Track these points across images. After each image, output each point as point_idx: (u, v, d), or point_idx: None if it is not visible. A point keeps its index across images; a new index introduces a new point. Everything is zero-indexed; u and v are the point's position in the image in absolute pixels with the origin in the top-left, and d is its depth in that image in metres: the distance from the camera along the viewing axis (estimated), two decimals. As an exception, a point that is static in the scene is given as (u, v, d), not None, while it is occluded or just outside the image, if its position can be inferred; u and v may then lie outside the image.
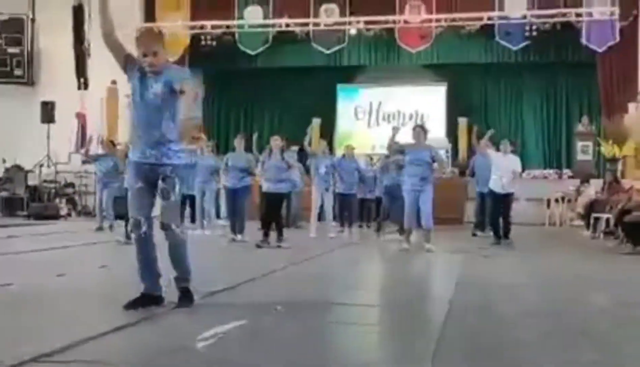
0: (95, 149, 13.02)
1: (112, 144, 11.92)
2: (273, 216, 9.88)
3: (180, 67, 4.86)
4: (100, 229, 11.64)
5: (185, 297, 4.72)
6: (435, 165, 9.57)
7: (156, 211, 4.72)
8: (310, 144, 12.20)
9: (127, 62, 4.64)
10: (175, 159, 4.65)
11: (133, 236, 4.74)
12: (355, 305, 5.34)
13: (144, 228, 4.61)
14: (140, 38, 4.64)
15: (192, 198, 12.37)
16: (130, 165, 4.75)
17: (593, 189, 14.29)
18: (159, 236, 4.71)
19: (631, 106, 15.93)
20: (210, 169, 11.48)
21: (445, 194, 12.48)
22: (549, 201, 15.62)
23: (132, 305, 4.52)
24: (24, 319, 4.39)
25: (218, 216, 12.57)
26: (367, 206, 12.78)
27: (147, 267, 4.67)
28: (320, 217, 12.00)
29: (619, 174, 14.59)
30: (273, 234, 9.79)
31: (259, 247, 9.40)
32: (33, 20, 18.52)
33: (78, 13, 17.05)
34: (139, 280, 4.68)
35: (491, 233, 11.13)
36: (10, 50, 18.42)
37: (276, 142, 9.99)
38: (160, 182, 4.60)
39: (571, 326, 4.52)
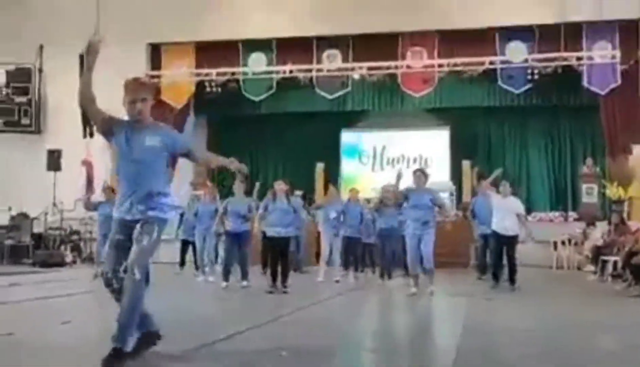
0: (99, 196, 13.06)
1: (112, 190, 11.92)
2: (279, 260, 9.81)
3: (172, 128, 4.82)
4: (97, 276, 11.54)
5: (112, 356, 4.25)
6: (437, 208, 9.59)
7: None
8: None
9: (108, 125, 4.56)
10: (161, 212, 4.52)
11: (108, 291, 4.46)
12: (361, 350, 5.30)
13: (116, 285, 4.40)
14: (128, 86, 4.56)
15: (194, 244, 12.39)
16: (114, 222, 4.56)
17: (599, 231, 14.21)
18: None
19: (635, 147, 15.96)
20: (212, 215, 11.48)
21: (450, 238, 12.42)
22: (555, 244, 15.54)
23: (136, 351, 4.41)
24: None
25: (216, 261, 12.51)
26: (368, 250, 12.75)
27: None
28: (329, 262, 11.95)
29: (625, 216, 14.53)
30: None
31: (270, 293, 9.36)
32: (40, 70, 18.81)
33: (85, 61, 17.29)
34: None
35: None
36: (18, 99, 18.68)
37: (281, 186, 9.98)
38: (138, 226, 4.43)
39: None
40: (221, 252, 12.15)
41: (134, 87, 4.57)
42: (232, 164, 4.77)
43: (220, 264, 11.51)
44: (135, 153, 4.50)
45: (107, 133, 4.58)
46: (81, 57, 17.29)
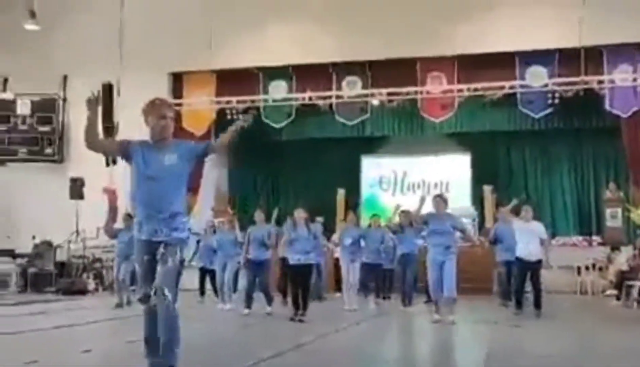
0: (121, 224, 13.14)
1: (129, 216, 11.96)
2: (301, 288, 9.75)
3: (187, 140, 4.93)
4: (119, 305, 11.58)
5: None
6: (458, 234, 9.55)
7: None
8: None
9: (125, 148, 4.68)
10: (182, 233, 4.66)
11: (143, 308, 4.63)
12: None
13: (153, 300, 4.52)
14: (154, 103, 4.72)
15: (213, 272, 12.45)
16: (139, 243, 4.66)
17: (624, 256, 14.02)
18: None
19: (660, 171, 15.77)
20: (232, 243, 11.53)
21: (473, 264, 12.34)
22: (579, 269, 15.35)
23: None
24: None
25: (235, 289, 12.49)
26: (389, 275, 12.66)
27: (156, 341, 4.54)
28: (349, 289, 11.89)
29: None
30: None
31: (292, 320, 9.33)
32: (64, 99, 19.08)
33: (107, 91, 17.49)
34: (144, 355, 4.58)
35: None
36: (42, 129, 18.94)
37: (300, 214, 9.99)
38: (161, 248, 4.55)
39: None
40: (242, 280, 12.17)
41: (162, 105, 4.75)
42: (239, 123, 4.94)
43: (240, 291, 11.51)
44: (153, 172, 4.58)
45: (127, 156, 4.68)
46: (103, 86, 17.54)
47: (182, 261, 4.64)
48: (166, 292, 4.44)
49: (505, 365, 5.72)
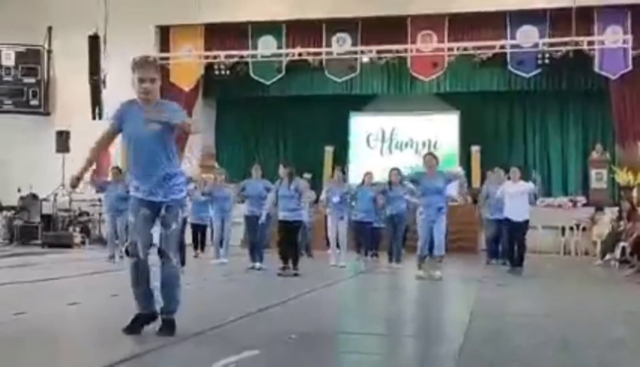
0: (106, 177, 13.11)
1: (119, 170, 11.92)
2: (287, 243, 9.85)
3: (173, 102, 4.83)
4: (112, 257, 11.61)
5: (168, 326, 4.65)
6: (455, 189, 9.62)
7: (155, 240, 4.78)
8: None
9: (117, 124, 4.69)
10: (179, 193, 4.72)
11: (130, 260, 4.69)
12: (369, 334, 5.30)
13: (141, 253, 4.61)
14: (138, 64, 4.61)
15: (204, 227, 12.54)
16: (136, 200, 4.70)
17: (608, 217, 14.16)
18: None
19: (646, 133, 15.85)
20: (227, 198, 11.54)
21: (459, 223, 12.43)
22: (563, 229, 15.51)
23: (132, 328, 4.60)
24: (38, 350, 4.38)
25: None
26: (377, 234, 12.72)
27: (143, 292, 4.68)
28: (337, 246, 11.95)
29: (635, 201, 14.43)
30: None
31: (280, 275, 9.40)
32: (50, 51, 18.80)
33: (94, 43, 17.25)
34: (135, 303, 4.73)
35: (505, 260, 11.28)
36: (27, 80, 18.69)
37: (285, 171, 10.03)
38: (163, 210, 4.64)
39: (589, 358, 4.45)
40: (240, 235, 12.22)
41: (144, 66, 4.61)
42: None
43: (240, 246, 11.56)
44: (140, 133, 4.57)
45: (119, 125, 4.69)
46: (90, 38, 17.28)
47: (183, 220, 4.86)
48: (171, 255, 4.61)
49: (488, 325, 5.79)
